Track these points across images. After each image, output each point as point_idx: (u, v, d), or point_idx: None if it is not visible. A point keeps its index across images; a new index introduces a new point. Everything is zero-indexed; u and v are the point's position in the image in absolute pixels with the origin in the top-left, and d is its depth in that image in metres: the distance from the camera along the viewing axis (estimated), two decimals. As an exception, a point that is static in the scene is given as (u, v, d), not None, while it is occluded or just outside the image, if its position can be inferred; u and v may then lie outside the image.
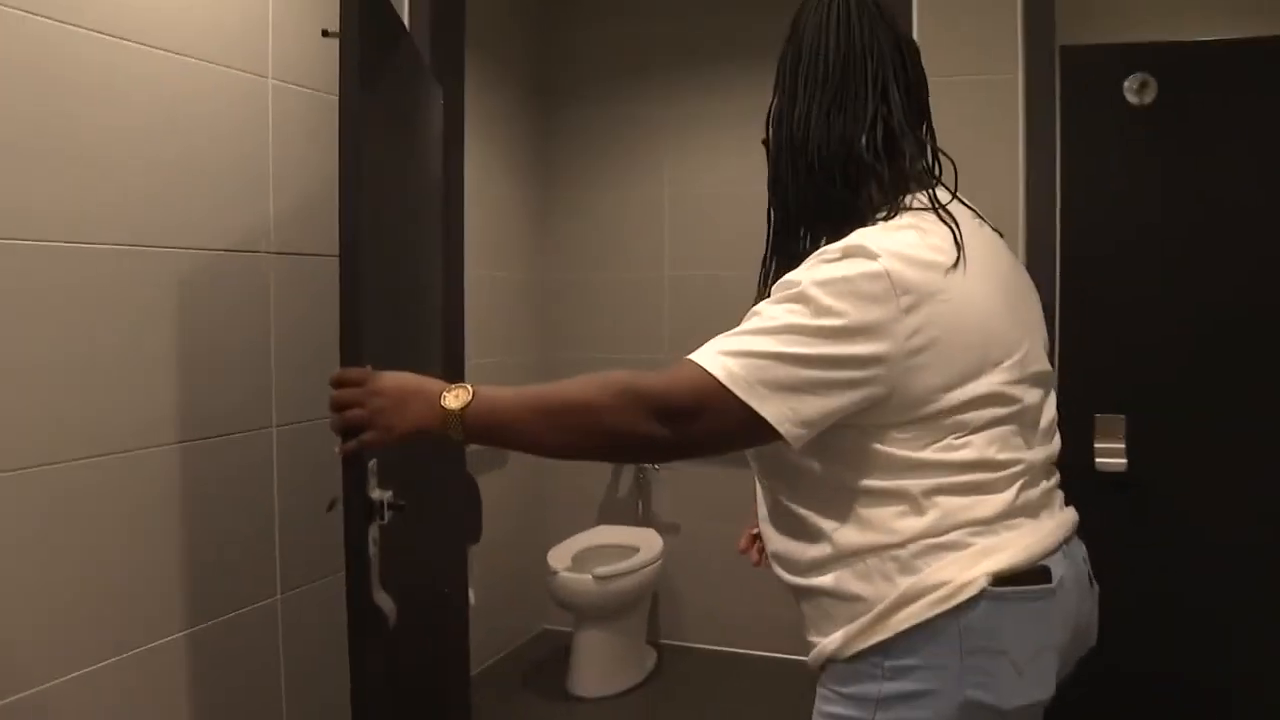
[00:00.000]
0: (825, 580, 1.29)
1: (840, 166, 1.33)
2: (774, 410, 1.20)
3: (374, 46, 1.62)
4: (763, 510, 1.44)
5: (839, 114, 1.33)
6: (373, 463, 1.57)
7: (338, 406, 1.40)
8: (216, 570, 2.14)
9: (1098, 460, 2.24)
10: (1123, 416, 2.25)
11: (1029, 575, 1.24)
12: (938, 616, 1.21)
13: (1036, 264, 2.22)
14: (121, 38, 1.90)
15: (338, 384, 1.42)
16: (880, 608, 1.24)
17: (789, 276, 1.26)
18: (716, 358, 1.22)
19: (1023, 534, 1.27)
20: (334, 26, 1.58)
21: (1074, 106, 2.21)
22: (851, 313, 1.19)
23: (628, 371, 1.29)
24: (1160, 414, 2.27)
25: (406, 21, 2.56)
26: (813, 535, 1.31)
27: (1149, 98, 2.17)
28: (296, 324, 2.32)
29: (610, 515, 4.47)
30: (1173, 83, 2.18)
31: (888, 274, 1.19)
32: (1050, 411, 1.40)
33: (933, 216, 1.28)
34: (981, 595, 1.21)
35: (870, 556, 1.26)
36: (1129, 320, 2.28)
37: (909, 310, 1.19)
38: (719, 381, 1.20)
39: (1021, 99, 2.18)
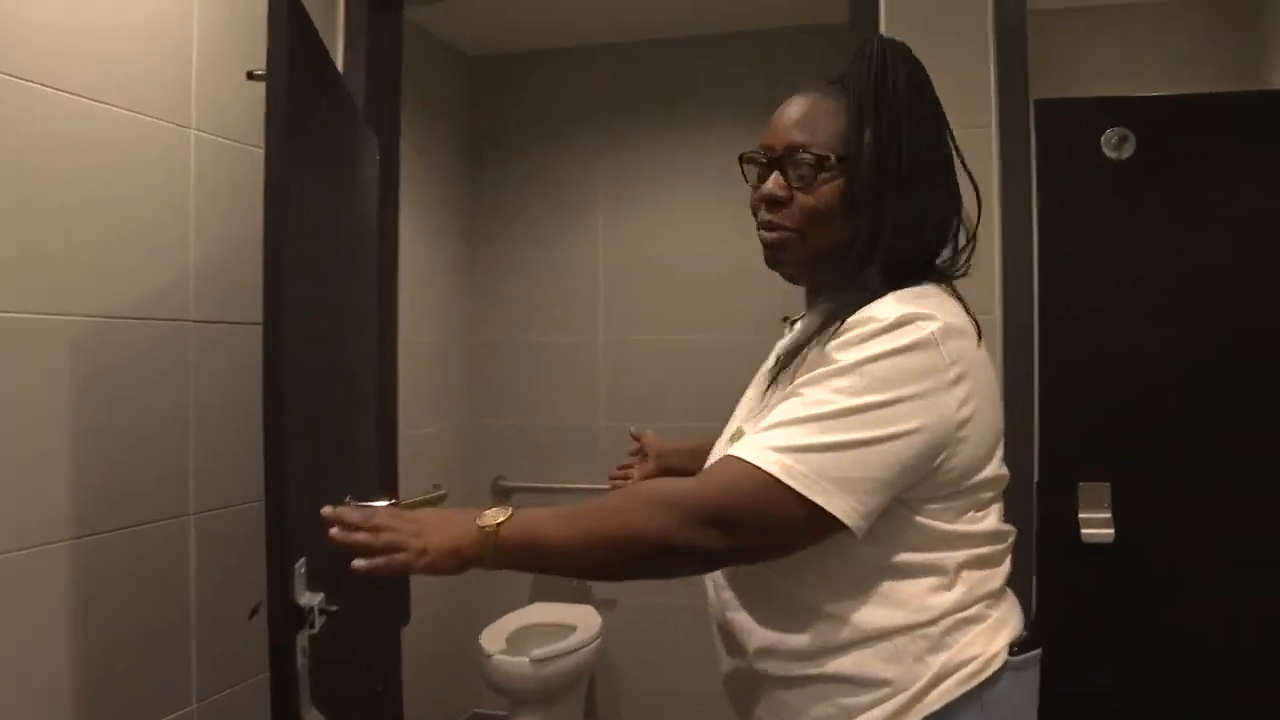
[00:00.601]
0: (840, 666, 1.20)
1: (936, 230, 1.29)
2: (841, 505, 1.11)
3: (305, 92, 1.45)
4: (727, 595, 1.32)
5: (925, 169, 1.27)
6: (300, 563, 1.37)
7: (367, 546, 1.20)
8: (122, 682, 1.90)
9: (1083, 531, 2.14)
10: (1108, 484, 2.16)
11: (1030, 641, 1.25)
12: (966, 694, 1.18)
13: (1015, 324, 2.14)
14: (21, 78, 1.69)
15: (371, 528, 1.21)
16: (914, 690, 1.18)
17: (830, 352, 1.18)
18: (767, 453, 1.13)
19: (1012, 603, 1.30)
20: (262, 68, 1.40)
21: (1050, 161, 2.14)
22: (904, 386, 1.14)
23: (667, 481, 1.24)
24: (1148, 480, 2.18)
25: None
26: (819, 619, 1.22)
27: (1127, 152, 2.11)
28: (219, 399, 2.12)
29: (544, 591, 4.25)
30: (1150, 137, 2.12)
31: (938, 344, 1.15)
32: None
33: (938, 289, 1.25)
34: (1005, 667, 1.21)
35: (899, 636, 1.19)
36: (1112, 381, 2.20)
37: (956, 381, 1.16)
38: (776, 479, 1.11)
39: (996, 153, 2.11)
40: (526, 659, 3.41)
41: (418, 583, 3.48)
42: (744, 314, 3.97)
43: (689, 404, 3.94)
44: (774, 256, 1.35)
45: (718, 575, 1.34)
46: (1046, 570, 2.15)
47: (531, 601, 4.15)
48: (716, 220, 4.06)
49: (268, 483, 1.33)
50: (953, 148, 1.32)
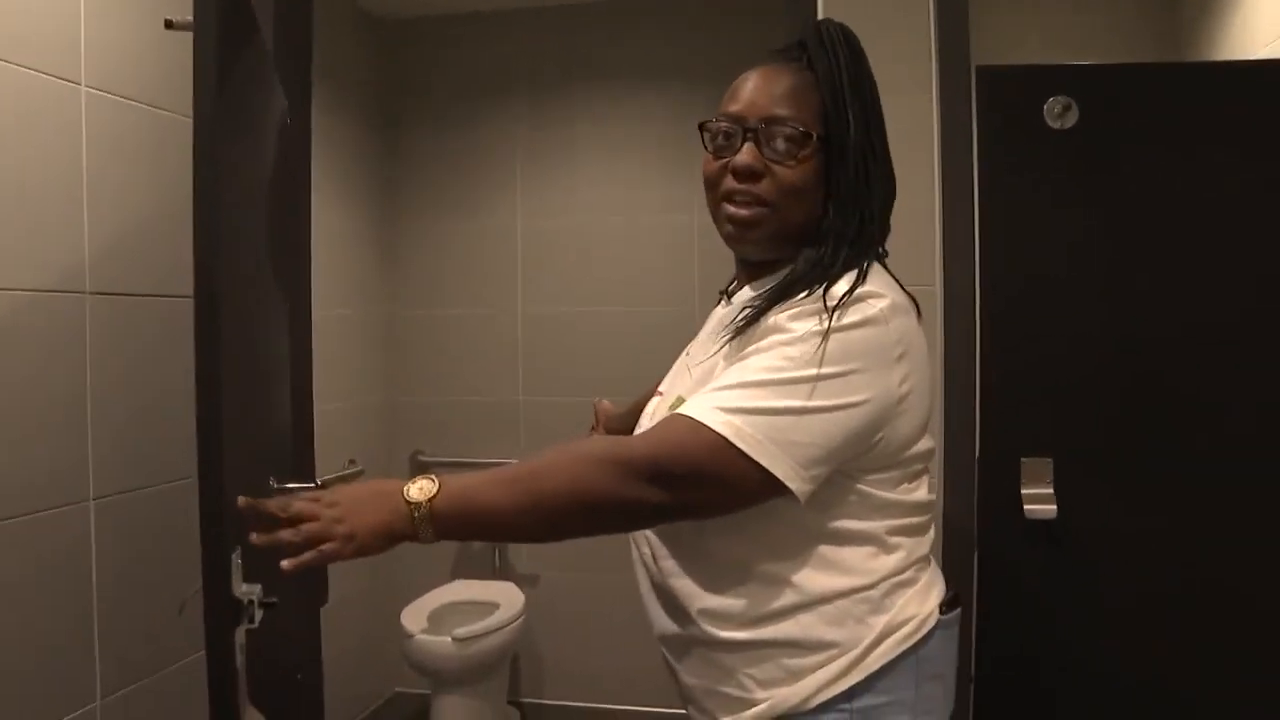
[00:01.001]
0: (786, 630, 1.24)
1: (887, 205, 1.34)
2: (785, 468, 1.14)
3: (232, 43, 1.33)
4: (668, 563, 1.33)
5: (886, 156, 1.33)
6: (236, 554, 1.27)
7: (290, 543, 1.14)
8: (20, 678, 1.77)
9: (1026, 508, 2.12)
10: (1050, 460, 2.14)
11: (953, 600, 1.33)
12: (905, 652, 1.24)
13: (955, 295, 2.12)
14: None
15: (291, 520, 1.15)
16: (857, 650, 1.23)
17: (782, 321, 1.21)
18: (715, 413, 1.15)
19: (935, 566, 1.37)
20: (174, 14, 1.28)
21: (991, 130, 2.12)
22: (854, 360, 1.17)
23: (609, 438, 1.23)
24: (1091, 456, 2.16)
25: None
26: (762, 583, 1.25)
27: (1070, 121, 2.08)
28: (120, 376, 1.99)
29: (465, 569, 4.19)
30: (1093, 106, 2.09)
31: (886, 321, 1.20)
32: None
33: (880, 267, 1.30)
34: (937, 625, 1.28)
35: (840, 600, 1.24)
36: (1054, 355, 2.18)
37: (899, 359, 1.21)
38: (724, 439, 1.13)
39: (936, 121, 2.08)
40: (449, 638, 3.35)
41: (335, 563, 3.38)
42: (661, 287, 3.96)
43: (608, 376, 3.89)
44: (743, 233, 1.31)
45: (655, 543, 1.35)
46: (988, 545, 2.15)
47: (453, 579, 4.10)
48: (636, 192, 4.02)
49: (201, 470, 1.22)
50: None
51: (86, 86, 1.92)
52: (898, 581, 1.26)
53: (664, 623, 1.36)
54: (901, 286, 1.29)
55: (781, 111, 1.27)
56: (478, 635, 3.40)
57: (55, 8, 1.85)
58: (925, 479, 1.33)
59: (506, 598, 3.74)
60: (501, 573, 4.11)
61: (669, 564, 1.32)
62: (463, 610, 3.66)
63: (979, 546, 2.12)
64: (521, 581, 4.01)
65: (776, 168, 1.27)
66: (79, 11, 1.90)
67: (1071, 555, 2.15)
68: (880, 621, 1.24)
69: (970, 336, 2.11)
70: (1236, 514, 2.14)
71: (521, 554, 4.14)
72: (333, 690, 3.43)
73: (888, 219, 1.34)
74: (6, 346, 1.76)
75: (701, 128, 1.34)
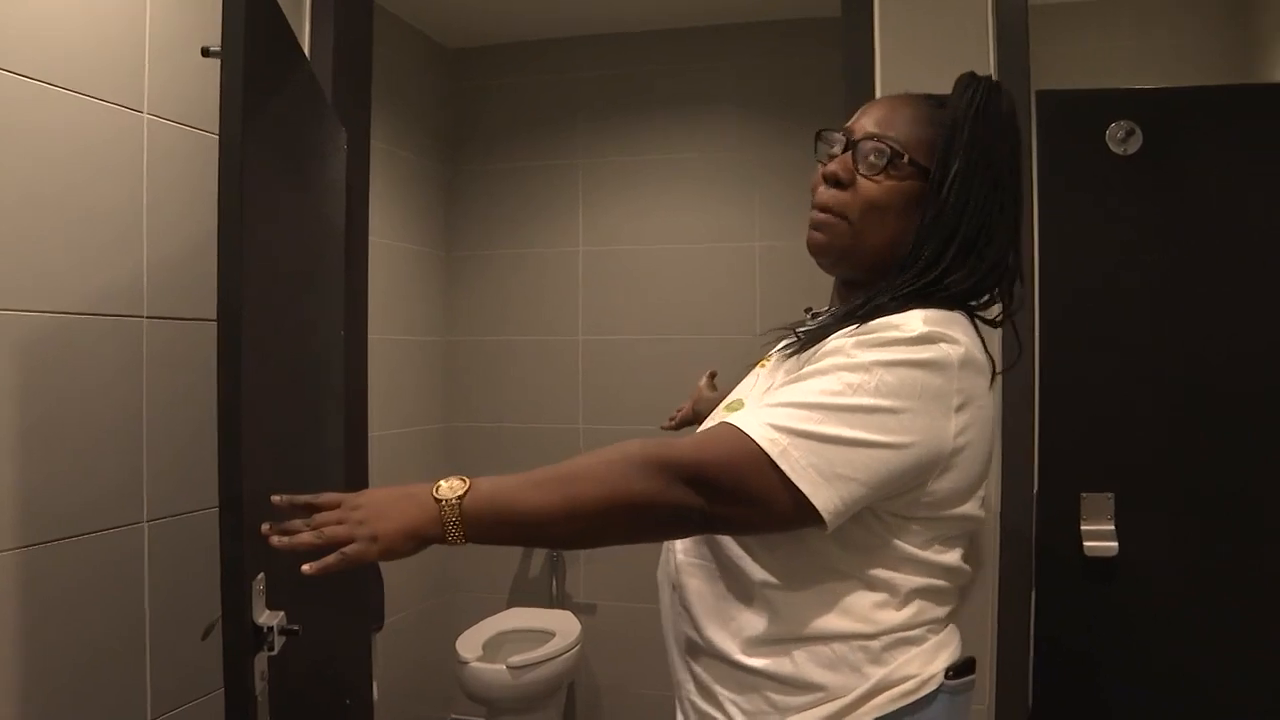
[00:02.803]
0: (778, 665, 1.21)
1: (991, 274, 1.28)
2: (824, 497, 1.11)
3: (265, 70, 1.34)
4: (681, 559, 1.31)
5: (1009, 208, 1.28)
6: (259, 578, 1.26)
7: (312, 545, 1.13)
8: (72, 698, 1.79)
9: (1085, 544, 2.04)
10: (1110, 495, 2.06)
11: (967, 666, 1.26)
12: (898, 710, 1.19)
13: (1013, 323, 2.05)
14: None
15: (311, 510, 1.15)
16: (847, 700, 1.19)
17: (847, 345, 1.17)
18: (766, 429, 1.12)
19: (953, 630, 1.30)
20: (219, 44, 1.30)
21: (1052, 155, 2.06)
22: (912, 399, 1.13)
23: (654, 440, 1.16)
24: (1154, 491, 2.08)
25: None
26: (766, 607, 1.23)
27: (1134, 147, 2.02)
28: (175, 399, 2.01)
29: (521, 597, 4.18)
30: (1159, 131, 2.02)
31: (954, 367, 1.16)
32: None
33: (966, 319, 1.25)
34: (940, 689, 1.22)
35: (838, 643, 1.20)
36: (1116, 386, 2.10)
37: (958, 409, 1.16)
38: (769, 457, 1.10)
39: (994, 146, 2.02)
40: (503, 666, 3.35)
41: (391, 587, 3.40)
42: (722, 315, 3.92)
43: (668, 404, 3.83)
44: (815, 239, 1.32)
45: (678, 542, 1.33)
46: (1046, 584, 2.07)
47: (509, 607, 4.10)
48: (698, 219, 4.01)
49: (222, 495, 1.22)
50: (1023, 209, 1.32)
51: (149, 114, 1.96)
52: (902, 637, 1.21)
53: (671, 627, 1.37)
54: (985, 347, 1.25)
55: (882, 130, 1.28)
56: (532, 664, 3.40)
57: (119, 38, 1.89)
58: (960, 549, 1.28)
59: (563, 626, 3.73)
60: (558, 601, 4.10)
61: (681, 559, 1.31)
62: (518, 638, 3.66)
63: (1036, 584, 2.05)
64: (579, 610, 3.99)
65: (863, 181, 1.27)
66: (143, 42, 1.94)
67: (1133, 594, 2.06)
68: (877, 674, 1.19)
69: (1028, 365, 2.05)
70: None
71: (579, 583, 4.13)
72: (387, 716, 3.44)
73: (988, 277, 1.28)
74: (66, 369, 1.79)
75: (817, 136, 1.35)
